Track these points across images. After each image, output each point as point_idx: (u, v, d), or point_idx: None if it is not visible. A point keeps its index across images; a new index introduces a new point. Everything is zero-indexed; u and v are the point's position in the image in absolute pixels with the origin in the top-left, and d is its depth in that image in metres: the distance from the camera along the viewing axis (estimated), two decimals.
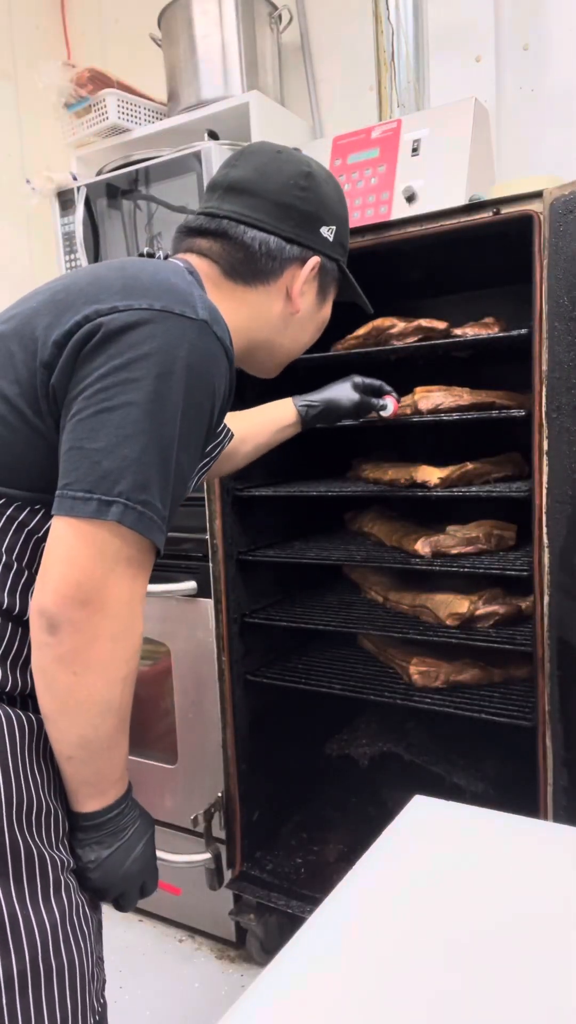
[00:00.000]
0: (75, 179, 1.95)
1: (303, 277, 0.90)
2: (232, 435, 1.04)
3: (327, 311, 1.01)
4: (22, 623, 0.75)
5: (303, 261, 0.90)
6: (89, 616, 0.68)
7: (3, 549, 0.74)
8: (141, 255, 0.91)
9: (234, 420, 1.19)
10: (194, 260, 0.88)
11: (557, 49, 1.70)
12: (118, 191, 1.86)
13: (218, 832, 1.59)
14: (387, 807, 1.61)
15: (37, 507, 0.75)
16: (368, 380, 1.32)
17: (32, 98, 2.26)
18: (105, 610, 0.69)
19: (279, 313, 0.92)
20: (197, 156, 1.70)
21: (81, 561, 0.68)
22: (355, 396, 1.30)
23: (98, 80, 1.90)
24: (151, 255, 0.90)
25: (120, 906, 0.84)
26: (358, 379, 1.31)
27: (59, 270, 2.01)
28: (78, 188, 1.91)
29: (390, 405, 1.32)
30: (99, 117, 1.92)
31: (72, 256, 1.98)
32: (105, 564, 0.69)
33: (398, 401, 1.34)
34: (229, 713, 1.55)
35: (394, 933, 0.60)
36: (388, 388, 1.33)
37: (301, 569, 1.74)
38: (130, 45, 2.27)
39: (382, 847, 0.72)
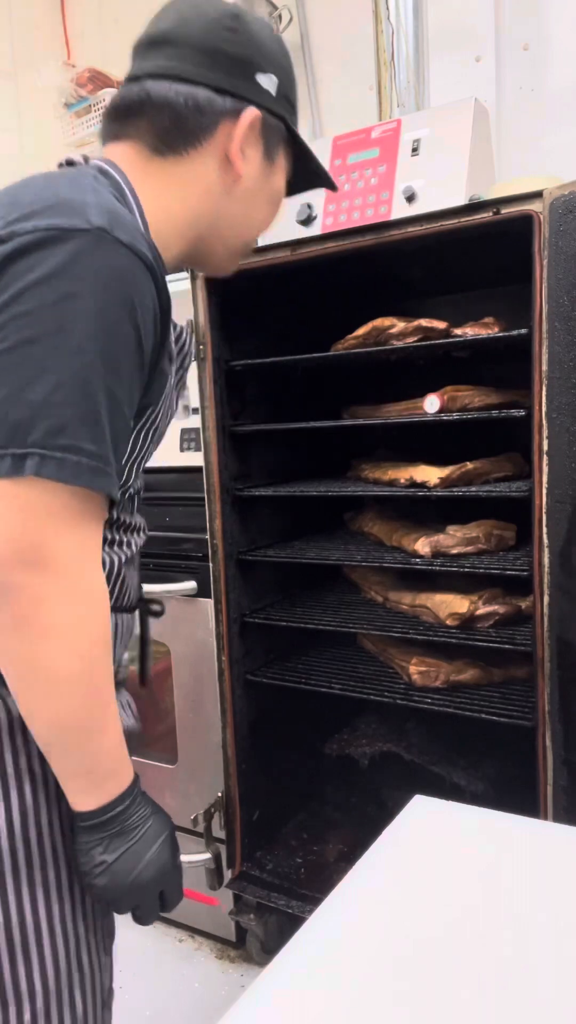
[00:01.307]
0: None
1: (240, 133, 0.78)
2: (190, 342, 0.93)
3: (279, 183, 0.87)
4: None
5: (238, 114, 0.78)
6: (32, 577, 0.61)
7: None
8: (60, 165, 0.81)
9: None
10: (117, 151, 0.79)
11: (557, 49, 1.70)
12: None
13: (218, 832, 1.59)
14: (387, 807, 1.60)
15: None
16: None
17: (32, 98, 2.26)
18: (50, 568, 0.62)
19: (219, 180, 0.79)
20: None
21: (9, 522, 0.61)
22: None
23: (98, 80, 1.90)
24: (71, 163, 0.80)
25: (139, 918, 0.76)
26: None
27: None
28: None
29: None
30: (99, 117, 1.91)
31: None
32: (38, 521, 0.62)
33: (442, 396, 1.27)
34: (229, 713, 1.55)
35: (394, 933, 0.60)
36: None
37: (301, 569, 1.74)
38: (130, 45, 2.27)
39: (382, 847, 0.72)
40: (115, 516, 0.79)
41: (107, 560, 0.79)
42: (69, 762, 0.69)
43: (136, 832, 0.73)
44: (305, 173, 0.91)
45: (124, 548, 0.83)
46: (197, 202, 0.79)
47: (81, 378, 0.62)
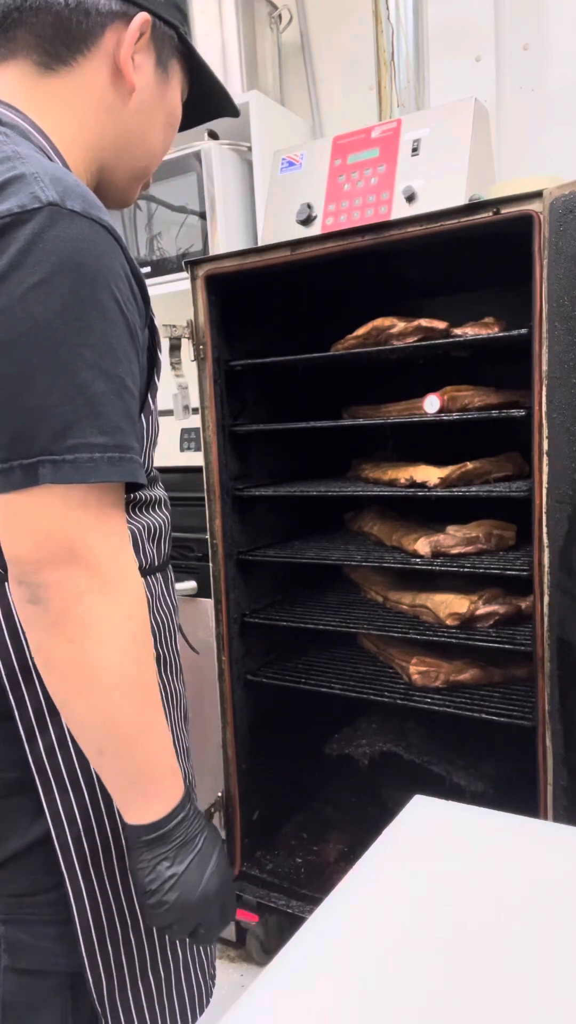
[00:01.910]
0: None
1: (130, 38, 0.72)
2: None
3: (174, 99, 0.81)
4: None
5: (127, 19, 0.72)
6: (67, 573, 0.59)
7: None
8: None
9: None
10: (7, 73, 0.72)
11: (557, 49, 1.70)
12: None
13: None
14: (387, 807, 1.60)
15: None
16: None
17: None
18: (83, 562, 0.60)
19: (110, 93, 0.73)
20: (197, 156, 1.70)
21: (34, 529, 0.59)
22: None
23: None
24: None
25: (201, 937, 0.72)
26: None
27: None
28: None
29: None
30: None
31: None
32: (62, 521, 0.60)
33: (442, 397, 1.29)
34: (229, 713, 1.55)
35: (394, 933, 0.60)
36: None
37: (301, 569, 1.74)
38: None
39: (382, 847, 0.72)
40: (152, 472, 0.83)
41: (159, 520, 0.83)
42: (125, 767, 0.66)
43: (197, 841, 0.70)
44: (202, 96, 0.86)
45: (166, 506, 0.86)
46: (93, 120, 0.73)
47: (70, 371, 0.58)
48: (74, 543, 0.60)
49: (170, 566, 0.90)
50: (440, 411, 1.32)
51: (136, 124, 0.77)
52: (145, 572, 0.79)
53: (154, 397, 0.77)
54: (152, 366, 0.74)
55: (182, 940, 0.75)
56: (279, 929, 1.62)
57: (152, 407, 0.77)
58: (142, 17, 0.73)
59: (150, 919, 0.70)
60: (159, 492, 0.86)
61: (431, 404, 1.33)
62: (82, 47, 0.71)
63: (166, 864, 0.67)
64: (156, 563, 0.84)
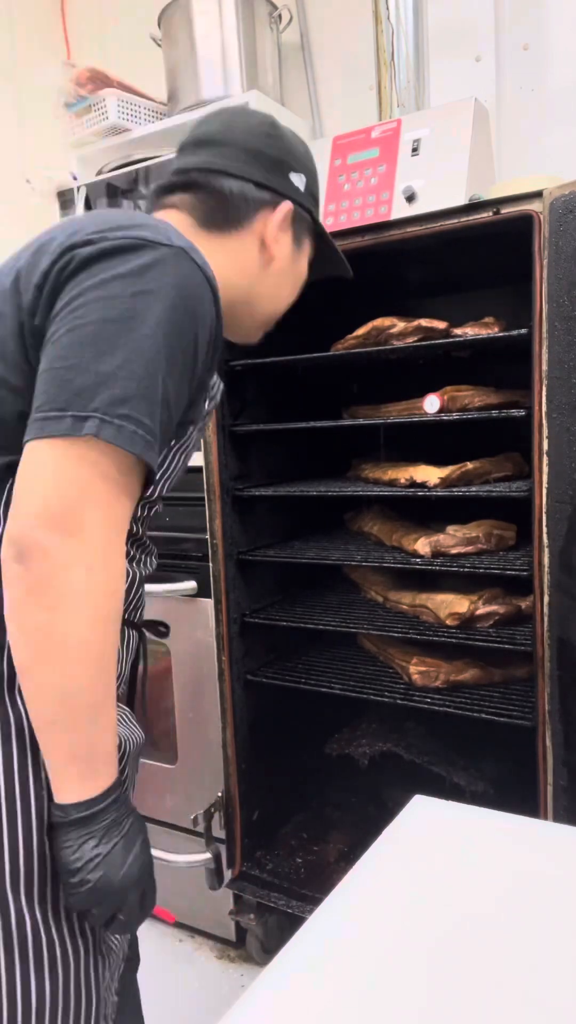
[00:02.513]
0: (75, 179, 1.95)
1: (276, 222, 0.89)
2: (220, 394, 1.01)
3: (303, 266, 0.99)
4: None
5: (275, 206, 0.89)
6: (61, 540, 0.62)
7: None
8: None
9: None
10: (168, 216, 0.87)
11: (557, 49, 1.70)
12: (118, 191, 1.86)
13: (218, 832, 1.59)
14: (387, 807, 1.60)
15: None
16: None
17: (32, 98, 2.26)
18: (78, 534, 0.63)
19: (255, 260, 0.90)
20: None
21: (53, 480, 0.63)
22: None
23: (98, 80, 1.90)
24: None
25: (119, 925, 0.73)
26: None
27: None
28: (78, 188, 1.91)
29: None
30: (99, 117, 1.92)
31: None
32: (80, 483, 0.64)
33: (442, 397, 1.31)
34: (229, 713, 1.55)
35: (394, 933, 0.60)
36: None
37: (301, 569, 1.74)
38: (130, 45, 2.27)
39: (382, 847, 0.72)
40: (133, 529, 0.82)
41: (130, 572, 0.83)
42: (71, 742, 0.67)
43: (123, 825, 0.71)
44: (324, 260, 1.03)
45: (142, 565, 0.87)
46: (235, 275, 0.89)
47: (147, 359, 0.66)
48: (77, 512, 0.63)
49: (132, 630, 0.88)
50: (440, 411, 1.32)
51: (270, 285, 0.94)
52: None
53: (179, 451, 0.82)
54: (193, 415, 0.80)
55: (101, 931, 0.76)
56: (279, 929, 1.62)
57: (172, 457, 0.81)
58: (287, 206, 0.90)
59: (71, 901, 0.70)
60: (135, 552, 0.86)
61: (431, 404, 1.33)
62: (237, 224, 0.88)
63: (92, 843, 0.68)
64: None
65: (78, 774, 0.68)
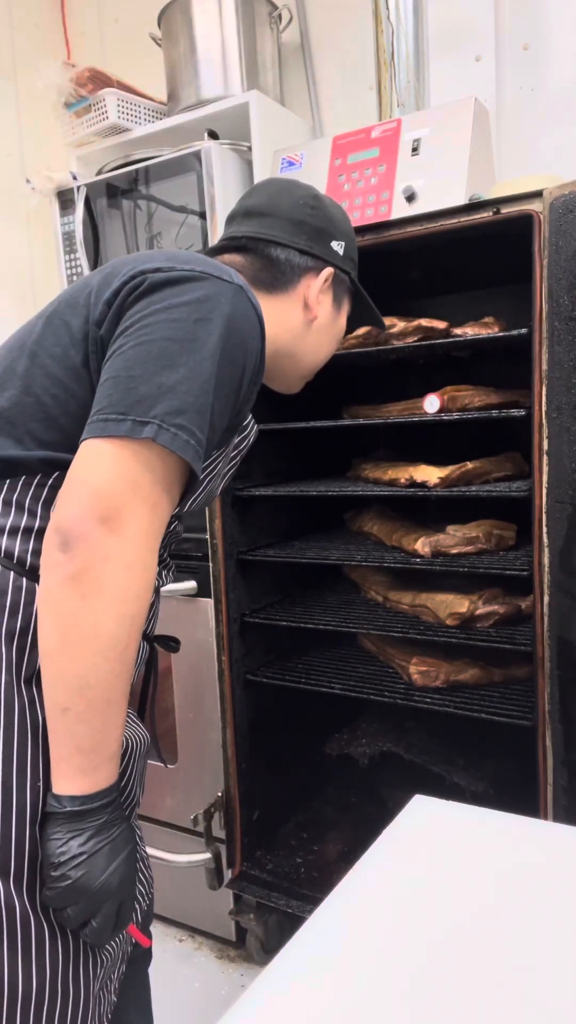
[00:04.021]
0: (75, 179, 1.95)
1: (319, 285, 0.97)
2: (253, 436, 1.06)
3: (342, 322, 1.07)
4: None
5: (318, 271, 0.98)
6: (105, 535, 0.66)
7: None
8: None
9: None
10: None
11: (557, 49, 1.70)
12: (118, 191, 1.86)
13: (218, 832, 1.59)
14: (387, 807, 1.61)
15: None
16: None
17: (32, 98, 2.26)
18: (122, 532, 0.66)
19: (299, 320, 0.98)
20: (197, 156, 1.70)
21: (106, 476, 0.67)
22: None
23: (98, 80, 1.89)
24: None
25: (92, 932, 0.71)
26: None
27: (59, 270, 2.01)
28: (78, 188, 1.91)
29: None
30: (99, 117, 1.92)
31: (72, 256, 1.98)
32: (132, 481, 0.68)
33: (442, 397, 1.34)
34: (229, 713, 1.55)
35: (394, 933, 0.60)
36: None
37: (301, 569, 1.74)
38: (130, 45, 2.27)
39: (382, 847, 0.72)
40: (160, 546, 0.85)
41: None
42: (80, 733, 0.68)
43: (113, 831, 0.71)
44: (360, 313, 1.12)
45: (161, 579, 0.91)
46: (280, 331, 0.96)
47: (204, 379, 0.72)
48: (125, 510, 0.67)
49: (143, 642, 0.90)
50: (440, 411, 1.32)
51: (312, 341, 1.02)
52: None
53: (208, 473, 0.86)
54: (227, 435, 0.86)
55: (74, 935, 0.75)
56: (279, 929, 1.62)
57: (203, 478, 0.84)
58: (328, 271, 0.99)
59: (47, 896, 0.70)
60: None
61: (431, 404, 1.33)
62: (284, 287, 0.96)
63: (79, 840, 0.68)
64: None
65: (79, 767, 0.69)
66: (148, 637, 0.95)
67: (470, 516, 1.45)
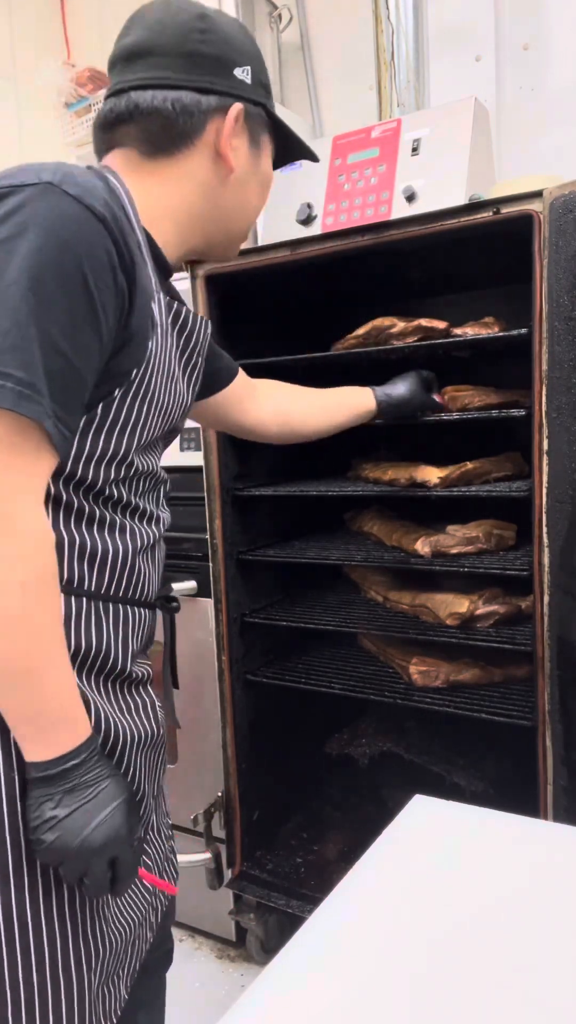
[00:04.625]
0: None
1: (228, 128, 0.82)
2: (233, 373, 1.00)
3: (267, 166, 0.92)
4: None
5: (224, 110, 0.82)
6: None
7: None
8: None
9: (311, 396, 1.22)
10: (113, 158, 0.82)
11: (557, 49, 1.70)
12: None
13: (218, 832, 1.59)
14: (387, 807, 1.61)
15: None
16: (427, 373, 1.34)
17: (32, 98, 2.26)
18: None
19: (213, 174, 0.84)
20: None
21: None
22: (425, 397, 1.32)
23: (98, 80, 1.90)
24: None
25: (89, 889, 0.72)
26: (424, 373, 1.33)
27: None
28: None
29: (441, 398, 1.37)
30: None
31: None
32: None
33: (442, 397, 1.37)
34: (229, 713, 1.55)
35: (394, 933, 0.60)
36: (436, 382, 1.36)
37: (301, 569, 1.74)
38: None
39: (382, 847, 0.72)
40: (112, 493, 0.78)
41: (111, 545, 0.78)
42: (15, 705, 0.67)
43: (90, 791, 0.70)
44: (286, 148, 0.95)
45: (133, 536, 0.81)
46: (194, 196, 0.83)
47: (10, 308, 0.62)
48: None
49: (136, 608, 0.83)
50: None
51: (234, 196, 0.87)
52: (72, 592, 0.75)
53: (137, 400, 0.77)
54: (130, 361, 0.75)
55: (80, 893, 0.75)
56: (279, 929, 1.62)
57: (126, 408, 0.76)
58: (237, 108, 0.82)
59: (36, 855, 0.70)
60: (120, 519, 0.80)
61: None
62: (186, 141, 0.81)
63: (50, 805, 0.67)
64: (93, 588, 0.78)
65: (30, 736, 0.68)
66: (138, 601, 0.85)
67: (470, 516, 1.45)
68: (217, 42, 0.81)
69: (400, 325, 1.39)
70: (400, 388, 1.30)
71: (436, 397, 1.34)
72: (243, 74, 0.84)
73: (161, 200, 0.81)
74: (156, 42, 0.81)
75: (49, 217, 0.64)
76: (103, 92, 1.86)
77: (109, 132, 0.83)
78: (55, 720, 0.68)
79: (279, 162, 0.96)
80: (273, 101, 0.91)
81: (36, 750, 0.68)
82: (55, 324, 0.64)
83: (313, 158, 1.00)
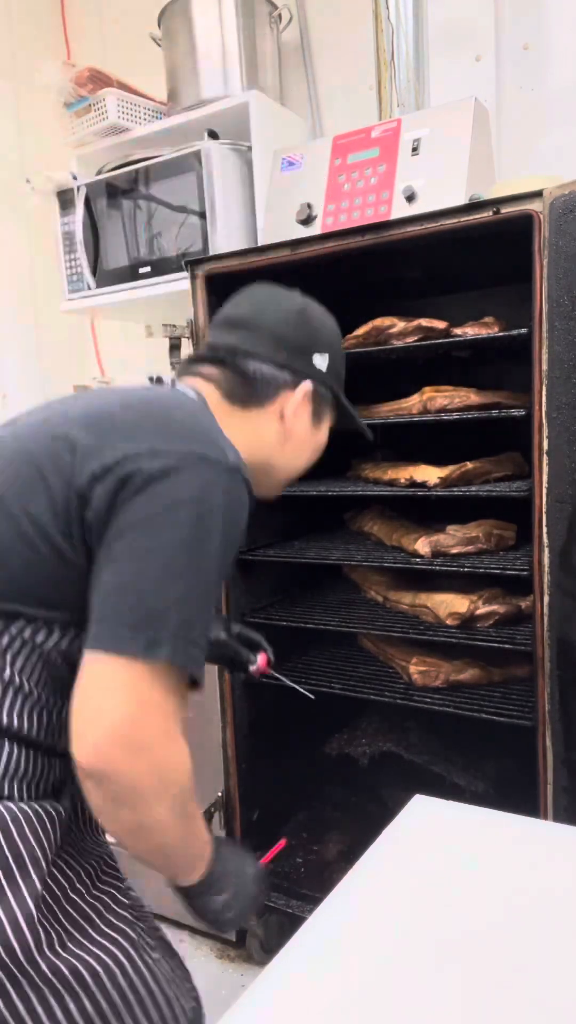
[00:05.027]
0: (75, 179, 1.95)
1: (297, 401, 0.95)
2: None
3: (323, 436, 1.04)
4: (30, 744, 0.76)
5: (295, 386, 0.95)
6: (132, 760, 0.68)
7: (16, 671, 0.75)
8: (151, 380, 0.96)
9: None
10: (199, 384, 0.93)
11: (557, 49, 1.70)
12: (118, 191, 1.86)
13: (218, 832, 1.59)
14: (387, 807, 1.60)
15: (53, 626, 0.76)
16: (246, 632, 1.26)
17: (32, 98, 2.26)
18: (145, 752, 0.69)
19: (275, 435, 0.96)
20: (197, 156, 1.70)
21: (123, 702, 0.68)
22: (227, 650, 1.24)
23: (98, 80, 1.89)
24: (159, 380, 0.95)
25: (232, 924, 0.90)
26: (236, 628, 1.27)
27: (59, 270, 2.01)
28: (78, 188, 1.91)
29: (259, 661, 1.22)
30: (99, 117, 1.92)
31: (72, 256, 1.98)
32: (149, 703, 0.69)
33: (269, 659, 1.23)
34: (229, 713, 1.55)
35: (394, 933, 0.60)
36: (263, 644, 1.25)
37: (301, 569, 1.74)
38: (130, 45, 2.27)
39: (382, 847, 0.72)
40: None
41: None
42: (173, 864, 0.80)
43: (231, 870, 0.86)
44: (346, 422, 1.09)
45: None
46: (254, 447, 0.94)
47: (206, 583, 0.74)
48: (146, 731, 0.69)
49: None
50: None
51: (288, 456, 0.99)
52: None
53: None
54: None
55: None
56: (279, 929, 1.62)
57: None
58: (306, 387, 0.95)
59: (220, 927, 0.90)
60: None
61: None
62: (259, 403, 0.94)
63: (219, 898, 0.84)
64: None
65: (183, 873, 0.81)
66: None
67: (470, 516, 1.45)
68: (306, 332, 0.96)
69: (400, 325, 1.39)
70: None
71: (261, 656, 1.22)
72: (320, 361, 0.97)
73: (231, 438, 0.88)
74: (257, 319, 0.95)
75: (235, 503, 0.78)
76: (103, 92, 1.87)
77: (199, 365, 0.95)
78: (197, 858, 0.82)
79: (338, 427, 1.08)
80: (343, 388, 1.04)
81: (191, 879, 0.82)
82: (219, 586, 0.79)
83: (367, 436, 1.16)
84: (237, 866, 0.88)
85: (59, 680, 0.76)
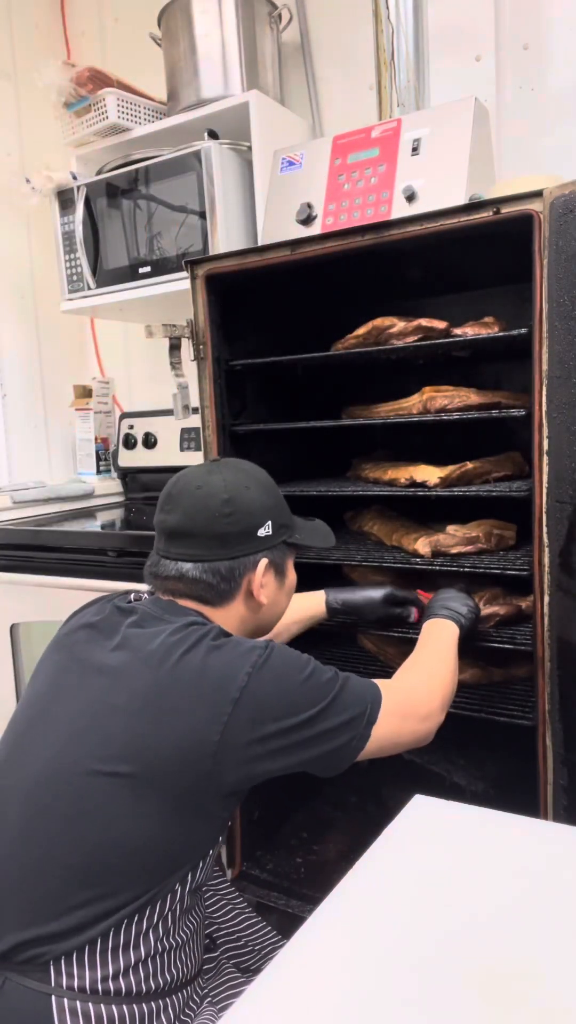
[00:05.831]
0: (75, 178, 1.95)
1: (259, 577, 1.01)
2: None
3: (291, 580, 1.11)
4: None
5: (254, 566, 1.01)
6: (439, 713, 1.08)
7: None
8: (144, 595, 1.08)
9: None
10: (185, 604, 1.01)
11: (557, 48, 1.70)
12: (118, 190, 1.86)
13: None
14: (387, 807, 1.60)
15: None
16: (401, 594, 1.37)
17: (32, 98, 2.26)
18: (427, 718, 1.06)
19: (254, 609, 1.04)
20: (197, 155, 1.70)
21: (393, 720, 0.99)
22: (381, 611, 1.37)
23: (98, 79, 1.89)
24: (138, 599, 1.05)
25: None
26: (391, 592, 1.37)
27: (59, 270, 2.01)
28: (78, 187, 1.91)
29: (412, 615, 1.37)
30: (99, 116, 1.92)
31: (72, 256, 1.98)
32: (400, 717, 1.00)
33: (420, 611, 1.37)
34: None
35: (394, 933, 0.60)
36: (416, 599, 1.38)
37: (301, 569, 1.73)
38: (130, 45, 2.27)
39: (382, 847, 0.72)
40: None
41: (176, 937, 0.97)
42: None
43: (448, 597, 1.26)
44: (308, 547, 1.15)
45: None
46: (243, 627, 1.04)
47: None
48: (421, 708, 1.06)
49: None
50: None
51: (268, 612, 1.07)
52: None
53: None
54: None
55: None
56: (279, 929, 1.62)
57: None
58: (263, 564, 1.02)
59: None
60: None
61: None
62: (228, 597, 1.01)
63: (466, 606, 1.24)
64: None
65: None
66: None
67: (470, 516, 1.45)
68: (241, 519, 1.00)
69: (400, 325, 1.39)
70: (356, 598, 1.38)
71: (414, 610, 1.37)
72: (265, 531, 1.02)
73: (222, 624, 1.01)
74: (192, 528, 0.99)
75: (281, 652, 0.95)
76: (103, 92, 1.87)
77: (169, 582, 1.01)
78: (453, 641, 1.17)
79: (302, 549, 1.15)
80: (295, 525, 1.10)
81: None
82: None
83: (329, 544, 1.22)
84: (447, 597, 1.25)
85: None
